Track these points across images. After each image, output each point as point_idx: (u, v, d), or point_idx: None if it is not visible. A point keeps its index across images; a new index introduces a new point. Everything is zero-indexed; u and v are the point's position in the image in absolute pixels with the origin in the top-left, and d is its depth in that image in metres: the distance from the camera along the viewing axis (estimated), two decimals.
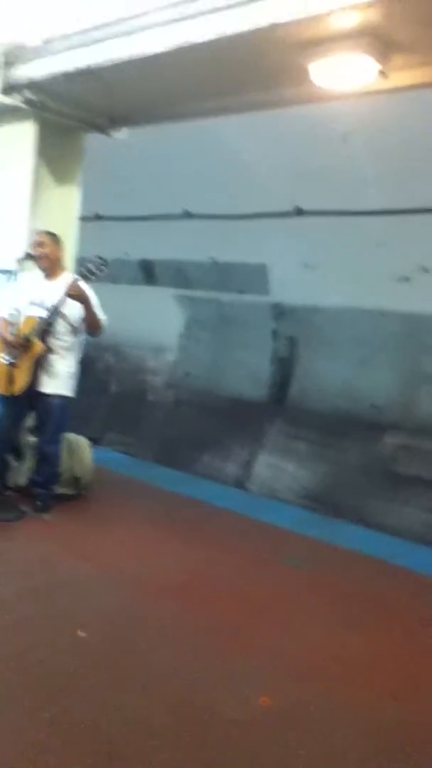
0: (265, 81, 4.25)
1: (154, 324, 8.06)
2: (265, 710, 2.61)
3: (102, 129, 5.33)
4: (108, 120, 5.28)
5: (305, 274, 6.33)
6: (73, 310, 4.61)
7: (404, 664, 3.12)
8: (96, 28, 4.22)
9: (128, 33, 4.08)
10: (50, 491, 4.82)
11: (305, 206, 5.88)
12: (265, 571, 4.13)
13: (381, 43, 3.55)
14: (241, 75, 4.20)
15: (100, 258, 4.56)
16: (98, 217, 7.59)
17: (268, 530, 4.96)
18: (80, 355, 4.84)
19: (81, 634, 3.03)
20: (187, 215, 6.78)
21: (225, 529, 4.95)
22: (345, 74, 3.81)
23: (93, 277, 4.56)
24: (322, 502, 5.92)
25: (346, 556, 4.56)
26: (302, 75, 3.90)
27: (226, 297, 7.32)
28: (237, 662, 2.95)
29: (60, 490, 4.95)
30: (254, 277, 6.85)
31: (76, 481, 5.09)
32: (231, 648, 3.08)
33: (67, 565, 3.86)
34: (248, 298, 7.07)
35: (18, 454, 5.02)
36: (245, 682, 2.78)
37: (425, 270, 5.63)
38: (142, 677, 2.76)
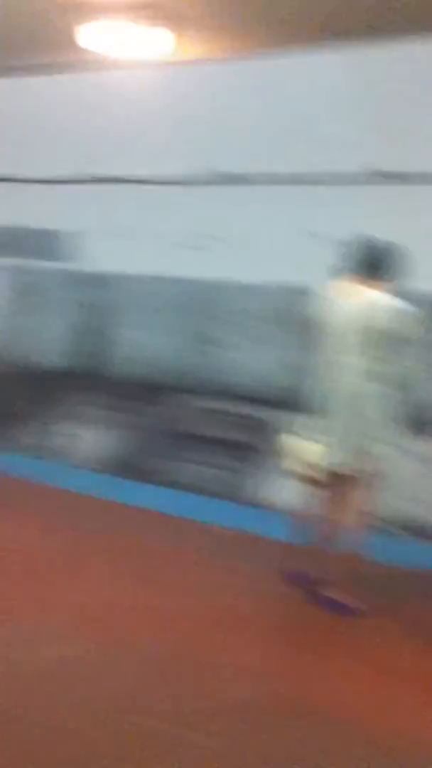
0: (37, 45, 4.20)
1: None
2: (59, 660, 2.73)
3: None
4: None
5: (103, 240, 6.38)
6: None
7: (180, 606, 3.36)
8: None
9: None
10: None
11: (98, 173, 5.92)
12: (57, 535, 4.19)
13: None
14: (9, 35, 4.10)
15: None
16: None
17: (64, 495, 5.02)
18: None
19: None
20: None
21: (16, 497, 4.93)
22: (114, 40, 3.88)
23: None
24: (117, 465, 6.06)
25: (135, 515, 4.74)
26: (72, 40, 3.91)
27: (21, 263, 7.16)
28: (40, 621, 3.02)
29: None
30: (51, 243, 6.77)
31: None
32: (27, 606, 3.18)
33: None
34: (44, 264, 6.97)
35: None
36: (42, 637, 2.89)
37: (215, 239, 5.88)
38: None
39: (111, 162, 5.91)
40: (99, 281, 6.60)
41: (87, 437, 6.54)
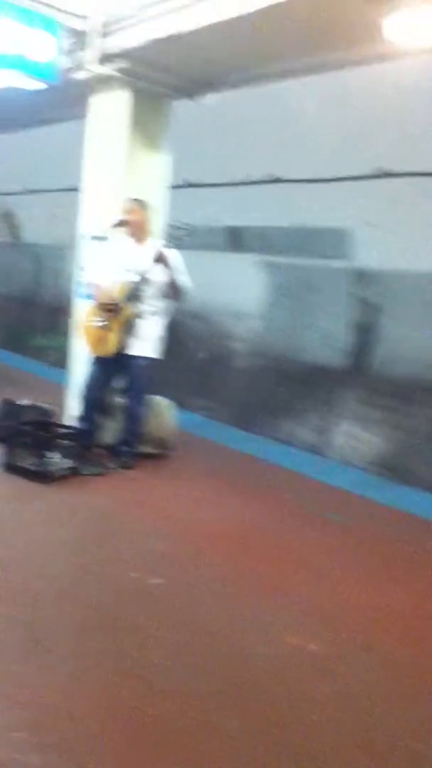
0: (344, 39, 4.20)
1: (238, 290, 8.12)
2: (293, 648, 2.72)
3: (189, 94, 5.41)
4: (195, 86, 5.35)
5: (386, 237, 6.21)
6: (160, 275, 4.77)
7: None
8: None
9: None
10: (134, 449, 5.06)
11: (387, 168, 5.76)
12: (311, 526, 4.23)
13: None
14: (324, 34, 4.17)
15: (185, 224, 4.68)
16: (189, 185, 7.69)
17: (329, 491, 5.02)
18: (166, 319, 5.02)
19: (133, 575, 3.25)
20: (274, 180, 6.77)
21: (286, 488, 5.06)
22: (419, 29, 3.73)
23: (178, 243, 4.70)
24: (394, 468, 5.87)
25: (401, 518, 4.55)
26: (377, 32, 3.84)
27: (307, 262, 7.29)
28: (274, 607, 3.09)
29: (144, 448, 5.18)
30: (336, 242, 6.79)
31: (158, 440, 5.31)
32: (269, 594, 3.23)
33: (136, 516, 4.13)
34: (329, 263, 7.02)
35: (107, 413, 5.28)
36: (280, 626, 2.92)
37: None
38: (183, 615, 2.96)
39: (401, 157, 5.72)
40: (373, 278, 6.46)
41: (358, 435, 6.46)
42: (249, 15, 3.99)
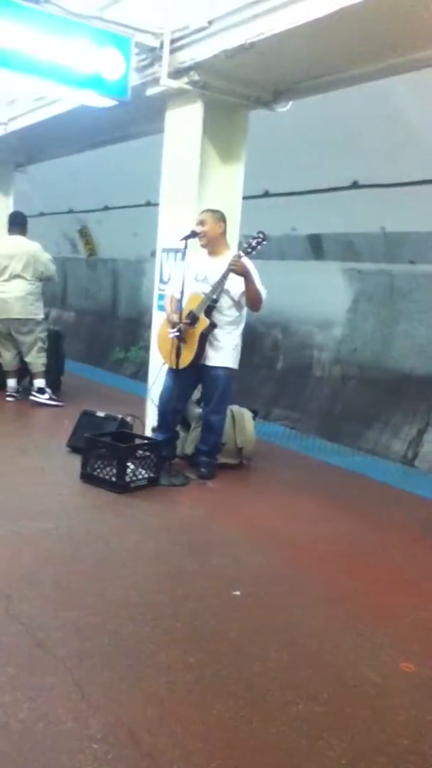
0: (424, 38, 4.07)
1: (321, 299, 8.01)
2: (405, 676, 2.57)
3: (266, 104, 5.39)
4: (271, 94, 5.32)
5: None
6: (236, 285, 4.75)
7: None
8: (254, 2, 4.28)
9: (285, 4, 4.10)
10: (213, 460, 5.04)
11: None
12: (415, 544, 4.04)
13: None
14: (401, 33, 4.07)
15: (261, 233, 4.64)
16: (267, 194, 7.67)
17: (426, 505, 4.83)
18: (242, 329, 4.98)
19: (235, 593, 3.16)
20: (355, 185, 6.64)
21: (381, 502, 4.90)
22: None
23: (254, 252, 4.66)
24: None
25: None
26: None
27: (396, 268, 7.09)
28: (379, 630, 2.93)
29: (223, 459, 5.15)
30: (426, 246, 6.57)
31: (238, 451, 5.27)
32: (374, 616, 3.07)
33: (222, 527, 4.04)
34: (420, 268, 6.80)
35: (185, 424, 5.29)
36: (387, 649, 2.76)
37: None
38: (284, 634, 2.83)
39: None
40: None
41: None
42: (320, 20, 3.93)
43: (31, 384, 7.06)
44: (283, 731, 2.19)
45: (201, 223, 4.86)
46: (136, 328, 11.47)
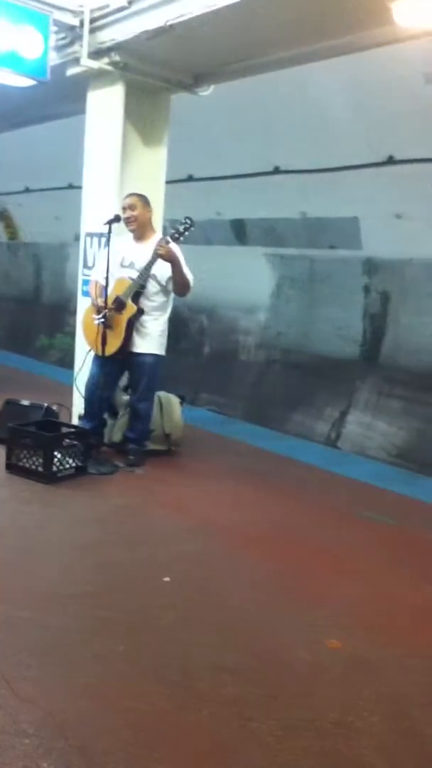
0: (346, 24, 4.13)
1: (246, 284, 8.06)
2: (333, 653, 2.65)
3: (187, 87, 5.35)
4: (192, 78, 5.29)
5: (397, 225, 6.12)
6: (163, 270, 4.71)
7: None
8: None
9: None
10: (142, 447, 5.02)
11: (396, 155, 5.66)
12: (344, 524, 4.16)
13: None
14: (321, 19, 4.10)
15: (188, 218, 4.62)
16: (191, 178, 7.63)
17: (352, 485, 4.97)
18: (169, 314, 4.96)
19: (165, 579, 3.17)
20: (277, 171, 6.69)
21: (308, 483, 5.01)
22: (429, 11, 3.64)
23: (181, 238, 4.63)
24: (412, 459, 5.81)
25: (430, 511, 4.50)
26: (385, 15, 3.77)
27: (316, 253, 7.21)
28: (310, 610, 3.00)
29: (151, 446, 5.14)
30: (345, 231, 6.70)
31: (166, 437, 5.26)
32: (305, 596, 3.14)
33: (152, 515, 4.04)
34: (340, 253, 6.94)
35: (112, 411, 5.24)
36: (316, 628, 2.83)
37: None
38: (217, 619, 2.86)
39: (408, 143, 5.63)
40: (399, 266, 6.38)
41: (377, 427, 6.40)
42: (238, 4, 3.93)
43: None
44: (215, 714, 2.23)
45: (130, 207, 4.79)
46: (61, 315, 11.24)
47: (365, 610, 3.05)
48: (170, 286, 4.80)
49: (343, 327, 7.04)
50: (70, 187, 9.04)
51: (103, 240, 4.88)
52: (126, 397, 5.16)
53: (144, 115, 5.30)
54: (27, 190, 10.77)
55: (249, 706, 2.28)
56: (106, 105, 5.27)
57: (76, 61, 5.00)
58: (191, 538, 3.72)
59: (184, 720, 2.19)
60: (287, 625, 2.85)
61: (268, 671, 2.51)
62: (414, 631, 2.92)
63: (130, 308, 4.69)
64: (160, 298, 4.82)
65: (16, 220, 11.91)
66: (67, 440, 4.61)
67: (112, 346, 4.72)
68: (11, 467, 4.51)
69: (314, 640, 2.73)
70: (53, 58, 4.97)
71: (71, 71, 5.16)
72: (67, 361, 9.55)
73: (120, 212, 4.81)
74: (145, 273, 4.67)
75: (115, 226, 4.68)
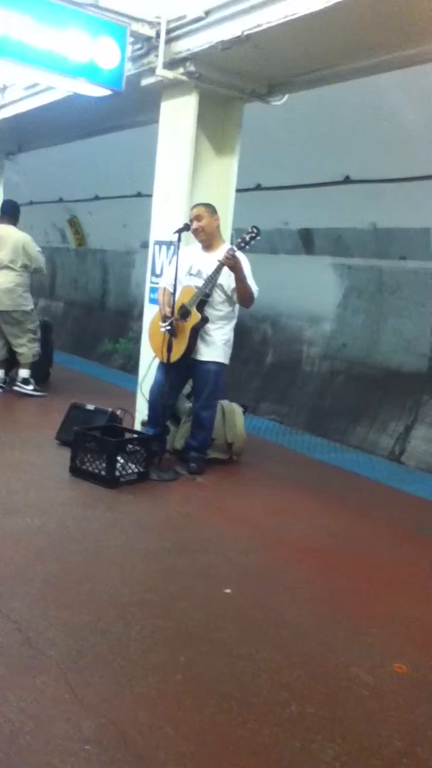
0: (420, 35, 4.05)
1: (311, 294, 7.99)
2: (398, 677, 2.57)
3: (261, 97, 5.34)
4: (266, 87, 5.28)
5: None
6: (230, 280, 4.71)
7: None
8: None
9: None
10: (203, 455, 5.02)
11: None
12: (407, 541, 4.06)
13: None
14: (396, 29, 4.04)
15: (255, 227, 4.60)
16: (259, 188, 7.63)
17: (415, 501, 4.87)
18: (234, 324, 4.95)
19: (226, 591, 3.15)
20: (347, 180, 6.62)
21: (370, 498, 4.92)
22: None
23: (247, 247, 4.62)
24: None
25: None
26: None
27: (386, 264, 7.08)
28: (371, 629, 2.92)
29: (213, 454, 5.13)
30: (416, 242, 6.57)
31: (228, 446, 5.25)
32: (365, 615, 3.07)
33: (213, 524, 4.02)
34: (410, 264, 6.80)
35: (175, 418, 5.26)
36: (378, 649, 2.76)
37: None
38: (276, 634, 2.82)
39: None
40: None
41: None
42: (316, 13, 3.90)
43: (17, 375, 7.01)
44: (276, 733, 2.18)
45: (197, 218, 4.81)
46: (125, 320, 11.40)
47: (428, 633, 2.95)
48: (235, 297, 4.80)
49: (411, 339, 6.89)
50: (138, 195, 9.18)
51: (173, 248, 4.92)
52: (189, 405, 5.17)
53: (216, 124, 5.32)
54: (96, 198, 10.98)
55: (311, 728, 2.23)
56: (179, 114, 5.31)
57: (152, 71, 5.06)
58: (251, 549, 3.69)
59: (243, 736, 2.15)
60: (348, 645, 2.78)
61: (330, 692, 2.45)
62: None
63: (195, 316, 4.70)
64: (225, 308, 4.82)
65: (85, 228, 12.16)
66: (130, 446, 4.64)
67: (177, 353, 4.74)
68: (75, 470, 4.57)
69: (377, 663, 2.65)
70: (128, 69, 5.04)
71: (146, 81, 5.22)
72: (129, 366, 9.69)
73: (188, 221, 4.83)
74: (210, 282, 4.67)
75: (184, 234, 4.71)
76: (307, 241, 7.88)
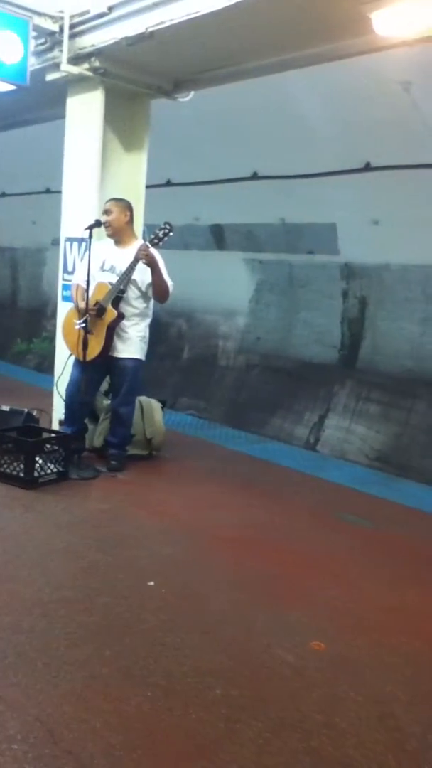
0: (327, 33, 4.19)
1: (225, 289, 8.10)
2: (316, 654, 2.68)
3: (167, 93, 5.37)
4: (172, 84, 5.32)
5: (374, 231, 6.20)
6: (143, 276, 4.72)
7: None
8: None
9: None
10: (123, 451, 5.02)
11: (373, 161, 5.74)
12: (323, 526, 4.20)
13: None
14: (300, 28, 4.16)
15: (167, 223, 4.63)
16: (169, 183, 7.65)
17: (331, 488, 5.03)
18: (150, 320, 4.97)
19: (150, 583, 3.18)
20: (255, 176, 6.74)
21: (287, 487, 5.05)
22: (408, 21, 3.71)
23: (160, 243, 4.64)
24: (390, 462, 5.88)
25: (407, 514, 4.57)
26: (365, 25, 3.83)
27: (295, 258, 7.26)
28: (291, 611, 3.03)
29: (133, 450, 5.14)
30: (324, 237, 6.77)
31: (148, 442, 5.27)
32: (286, 598, 3.18)
33: (134, 519, 4.04)
34: (318, 258, 7.00)
35: (93, 416, 5.23)
36: (299, 629, 2.86)
37: None
38: (199, 622, 2.88)
39: (385, 150, 5.71)
40: (376, 271, 6.45)
41: (355, 431, 6.46)
42: (219, 12, 3.96)
43: None
44: (201, 716, 2.24)
45: (106, 212, 4.80)
46: (39, 319, 11.18)
47: (345, 612, 3.08)
48: (150, 292, 4.82)
49: (321, 332, 7.10)
50: (48, 191, 9.02)
51: (84, 245, 4.88)
52: (107, 402, 5.16)
53: (124, 120, 5.31)
54: (3, 195, 10.71)
55: (235, 709, 2.30)
56: (85, 110, 5.27)
57: (56, 66, 5.00)
58: (173, 541, 3.74)
59: (170, 722, 2.20)
60: (270, 628, 2.87)
61: (254, 673, 2.53)
62: (394, 630, 2.96)
63: (110, 313, 4.69)
64: (140, 304, 4.83)
65: None
66: (49, 445, 4.60)
67: (93, 350, 4.72)
68: None
69: (298, 642, 2.75)
70: (33, 63, 4.95)
71: (51, 76, 5.16)
72: (44, 366, 9.52)
73: (99, 217, 4.82)
74: (125, 278, 4.67)
75: (96, 231, 4.69)
76: (218, 237, 7.98)
